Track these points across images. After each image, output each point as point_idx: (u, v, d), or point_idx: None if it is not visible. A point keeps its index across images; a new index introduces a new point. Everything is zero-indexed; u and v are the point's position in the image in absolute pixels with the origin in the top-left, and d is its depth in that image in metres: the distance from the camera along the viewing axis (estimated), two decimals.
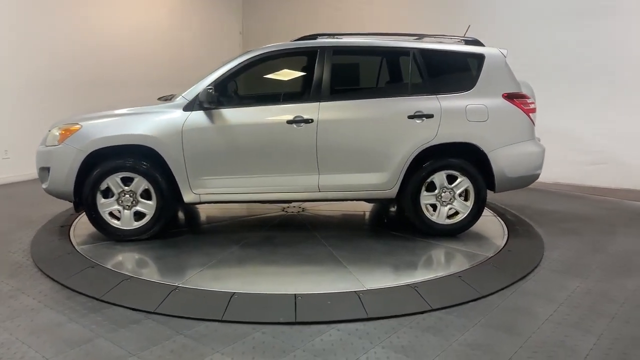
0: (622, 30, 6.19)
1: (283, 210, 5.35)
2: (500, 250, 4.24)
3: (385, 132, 4.35)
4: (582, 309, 3.26)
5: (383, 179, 4.39)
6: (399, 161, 4.34)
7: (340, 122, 4.33)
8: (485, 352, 2.73)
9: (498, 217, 5.20)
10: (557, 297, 3.42)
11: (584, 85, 6.42)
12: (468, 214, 4.50)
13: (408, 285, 3.49)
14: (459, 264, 3.95)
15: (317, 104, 4.32)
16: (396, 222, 5.20)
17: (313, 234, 4.58)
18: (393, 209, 5.53)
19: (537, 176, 4.63)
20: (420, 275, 3.66)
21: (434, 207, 4.50)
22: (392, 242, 4.41)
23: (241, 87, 4.80)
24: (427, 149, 4.35)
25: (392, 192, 4.44)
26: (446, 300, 3.32)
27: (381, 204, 5.63)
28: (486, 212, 4.99)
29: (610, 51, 6.25)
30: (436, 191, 4.47)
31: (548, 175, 4.95)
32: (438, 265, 4.03)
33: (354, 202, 4.94)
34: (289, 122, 4.27)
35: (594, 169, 6.42)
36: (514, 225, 4.96)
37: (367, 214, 5.53)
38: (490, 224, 4.94)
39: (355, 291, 3.38)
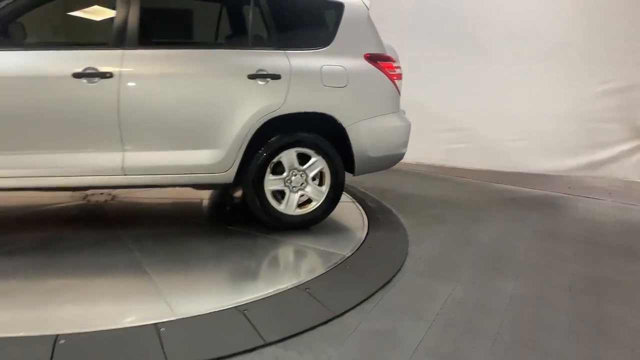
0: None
1: (85, 198, 4.03)
2: (360, 247, 3.44)
3: (217, 94, 3.27)
4: (457, 329, 2.54)
5: (215, 159, 3.32)
6: (236, 135, 3.30)
7: (154, 78, 3.17)
8: None
9: (357, 204, 4.43)
10: (426, 312, 2.68)
11: (449, 58, 5.91)
12: (323, 201, 3.63)
13: (236, 308, 2.50)
14: (308, 270, 3.06)
15: (119, 51, 3.10)
16: (241, 213, 4.19)
17: (117, 234, 3.38)
18: (239, 195, 4.50)
19: (402, 156, 3.92)
20: (255, 291, 2.69)
21: (282, 194, 3.56)
22: (227, 241, 3.40)
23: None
24: (272, 119, 3.37)
25: (228, 175, 3.40)
26: (286, 327, 2.39)
27: (223, 190, 4.55)
28: (344, 197, 4.19)
29: (477, 23, 5.80)
30: (284, 174, 3.53)
31: (409, 155, 4.28)
32: (280, 272, 3.08)
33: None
34: (77, 75, 2.99)
35: (457, 148, 6.01)
36: (375, 213, 4.23)
37: (206, 202, 4.44)
38: (348, 213, 4.15)
39: (155, 323, 2.30)
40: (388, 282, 3.00)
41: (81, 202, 3.97)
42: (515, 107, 5.65)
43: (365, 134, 3.59)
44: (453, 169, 6.04)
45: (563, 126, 5.57)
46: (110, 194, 4.12)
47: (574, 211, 4.90)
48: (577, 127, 5.55)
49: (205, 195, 4.51)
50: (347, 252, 3.29)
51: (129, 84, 3.08)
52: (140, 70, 3.13)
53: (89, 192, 4.07)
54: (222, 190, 4.54)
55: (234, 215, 4.16)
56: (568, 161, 5.59)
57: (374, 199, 4.72)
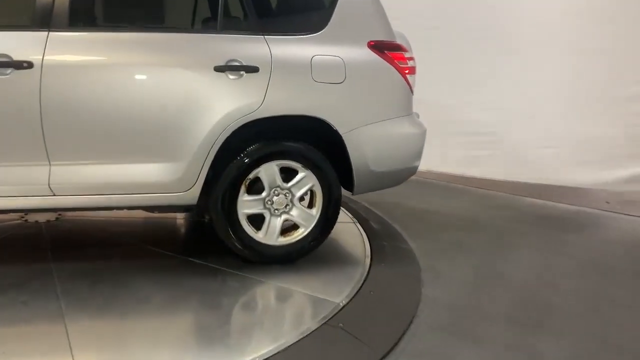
0: None
1: (22, 218, 3.29)
2: (359, 290, 2.65)
3: (173, 92, 2.52)
4: None
5: (172, 175, 2.57)
6: (199, 144, 2.56)
7: (89, 69, 2.43)
8: None
9: (358, 225, 3.67)
10: None
11: (469, 50, 5.14)
12: (313, 227, 2.87)
13: None
14: (287, 329, 2.27)
15: (43, 33, 2.36)
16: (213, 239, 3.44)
17: (49, 269, 2.63)
18: None
19: (414, 170, 3.15)
20: None
21: (261, 218, 2.81)
22: (189, 281, 2.64)
23: None
24: (248, 124, 2.62)
25: (190, 195, 2.64)
26: None
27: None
28: (342, 216, 3.44)
29: (503, 11, 5.03)
30: (264, 194, 2.77)
31: (421, 161, 3.53)
32: (249, 334, 2.26)
33: None
34: None
35: (477, 155, 5.25)
36: (380, 238, 3.46)
37: (180, 222, 3.69)
38: (346, 238, 3.39)
39: None
40: (395, 344, 2.24)
41: (17, 221, 3.23)
42: (545, 108, 4.91)
43: (367, 143, 2.82)
44: (472, 179, 5.27)
45: (600, 131, 4.80)
46: (56, 212, 3.38)
47: (618, 233, 4.12)
48: (617, 132, 4.78)
49: (179, 214, 3.76)
50: (341, 300, 2.52)
51: (55, 76, 2.34)
52: (70, 59, 2.39)
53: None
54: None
55: (203, 241, 3.40)
56: (606, 172, 4.82)
57: (378, 217, 3.96)
